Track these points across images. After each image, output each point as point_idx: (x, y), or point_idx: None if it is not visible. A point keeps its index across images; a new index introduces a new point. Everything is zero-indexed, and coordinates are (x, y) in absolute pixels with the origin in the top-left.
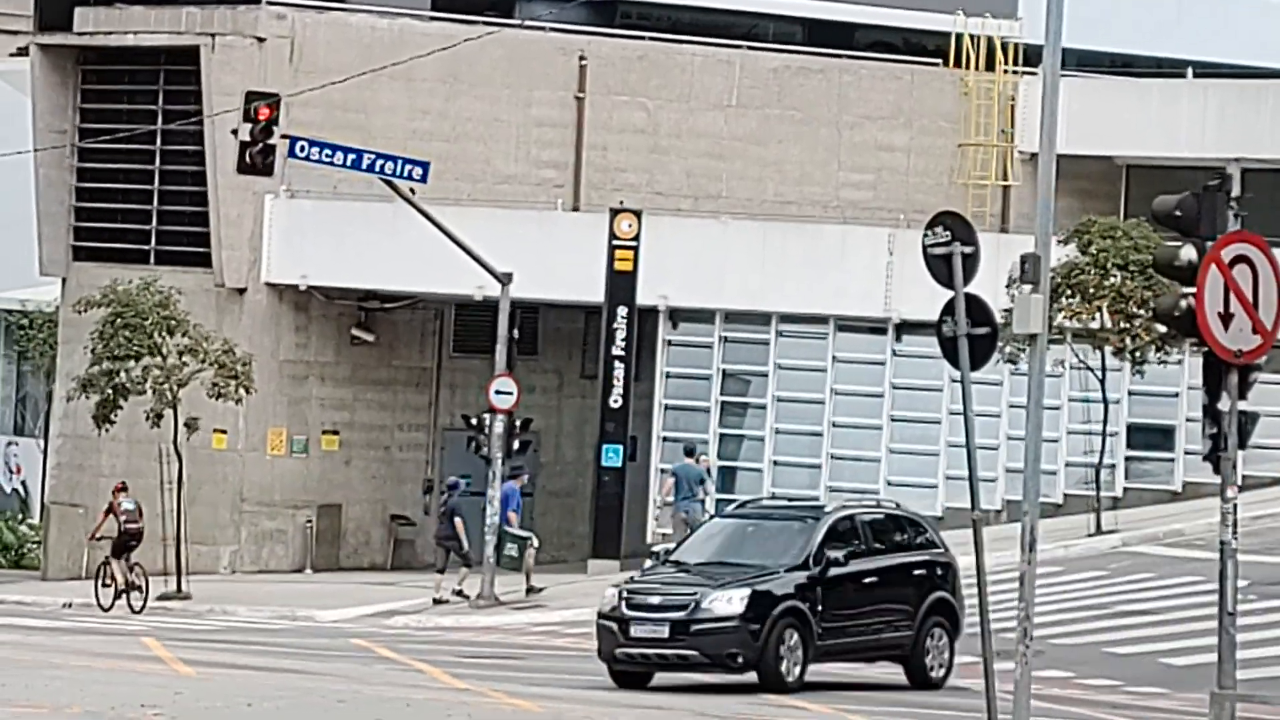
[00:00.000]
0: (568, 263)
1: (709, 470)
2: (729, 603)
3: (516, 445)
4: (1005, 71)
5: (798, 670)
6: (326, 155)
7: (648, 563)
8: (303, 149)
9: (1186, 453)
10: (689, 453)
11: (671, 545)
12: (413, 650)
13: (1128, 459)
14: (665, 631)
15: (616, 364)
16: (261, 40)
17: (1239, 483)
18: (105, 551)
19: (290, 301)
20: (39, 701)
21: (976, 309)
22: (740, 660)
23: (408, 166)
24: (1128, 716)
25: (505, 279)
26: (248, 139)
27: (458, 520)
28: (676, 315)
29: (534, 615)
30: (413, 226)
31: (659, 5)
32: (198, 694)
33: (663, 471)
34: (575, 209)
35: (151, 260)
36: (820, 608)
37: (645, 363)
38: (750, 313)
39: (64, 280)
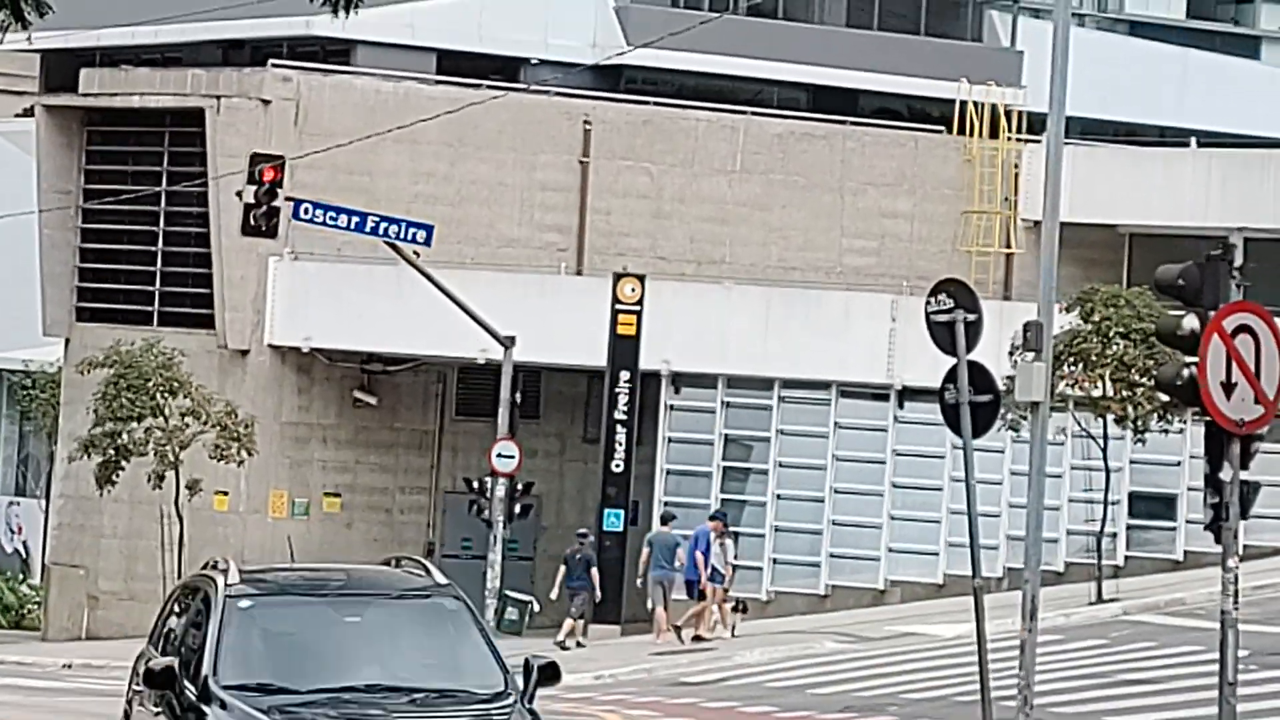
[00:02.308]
0: (570, 327)
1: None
2: None
3: (518, 509)
4: (1009, 139)
5: None
6: (330, 218)
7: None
8: (307, 211)
9: (1188, 522)
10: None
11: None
12: None
13: (1129, 527)
14: None
15: (619, 428)
16: (266, 102)
17: (1240, 552)
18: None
19: (293, 364)
20: None
21: (979, 376)
22: None
23: (411, 229)
24: None
25: (508, 342)
26: (252, 201)
27: (594, 571)
28: (679, 380)
29: None
30: (416, 290)
31: (664, 70)
32: None
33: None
34: (578, 273)
35: (155, 321)
36: None
37: (647, 427)
38: (753, 378)
39: (67, 341)
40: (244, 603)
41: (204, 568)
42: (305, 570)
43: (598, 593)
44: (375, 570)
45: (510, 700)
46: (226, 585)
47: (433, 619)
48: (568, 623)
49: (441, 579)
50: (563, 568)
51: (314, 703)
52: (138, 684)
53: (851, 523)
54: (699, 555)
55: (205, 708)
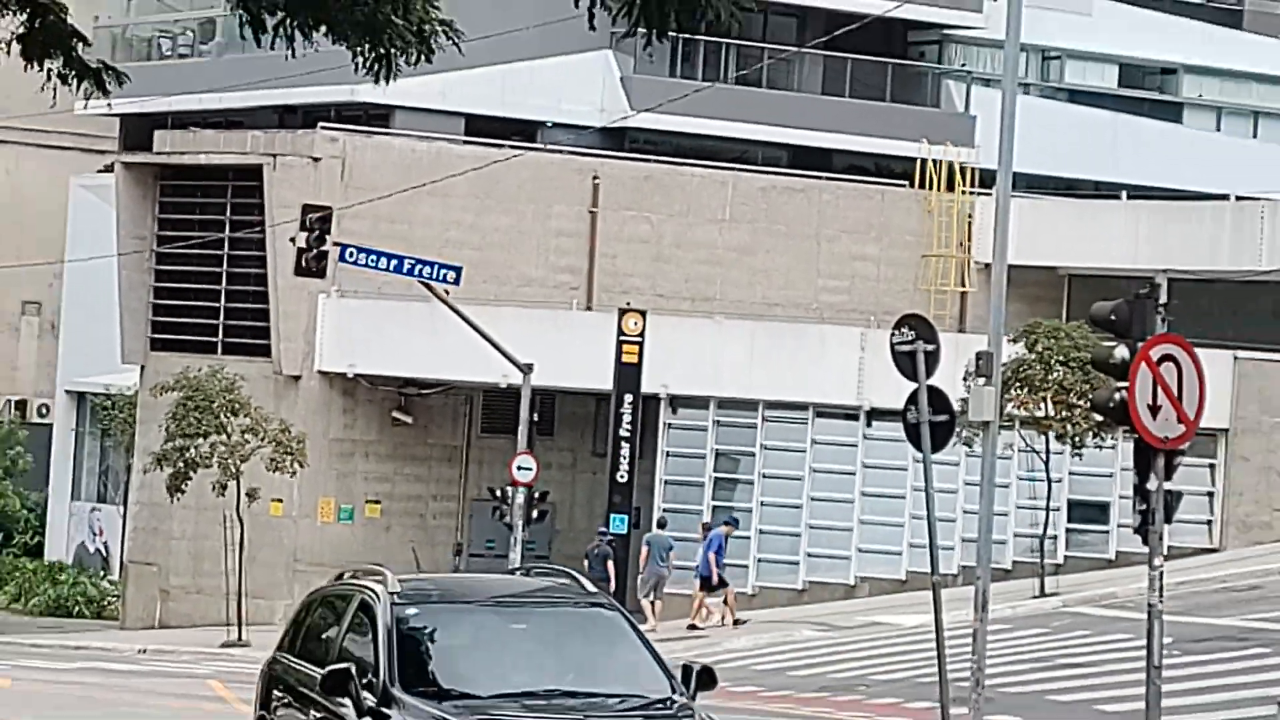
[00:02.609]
0: (581, 355)
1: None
2: None
3: (535, 514)
4: (963, 193)
5: None
6: (372, 260)
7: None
8: (351, 255)
9: (1119, 526)
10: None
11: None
12: None
13: (1068, 531)
14: None
15: (623, 444)
16: (316, 160)
17: (1165, 553)
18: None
19: (339, 388)
20: None
21: (937, 399)
22: None
23: (443, 270)
24: None
25: (526, 369)
26: (304, 246)
27: (610, 564)
28: (676, 402)
29: None
30: (447, 323)
31: (663, 132)
32: None
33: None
34: (588, 308)
35: (219, 350)
36: None
37: (648, 443)
38: (740, 400)
39: (142, 367)
40: (410, 609)
41: (339, 577)
42: (457, 579)
43: (612, 584)
44: (522, 580)
45: (687, 705)
46: (389, 592)
47: (593, 626)
48: None
49: (590, 587)
50: (585, 562)
51: (502, 706)
52: (280, 691)
53: (826, 526)
54: (712, 555)
55: (389, 711)
